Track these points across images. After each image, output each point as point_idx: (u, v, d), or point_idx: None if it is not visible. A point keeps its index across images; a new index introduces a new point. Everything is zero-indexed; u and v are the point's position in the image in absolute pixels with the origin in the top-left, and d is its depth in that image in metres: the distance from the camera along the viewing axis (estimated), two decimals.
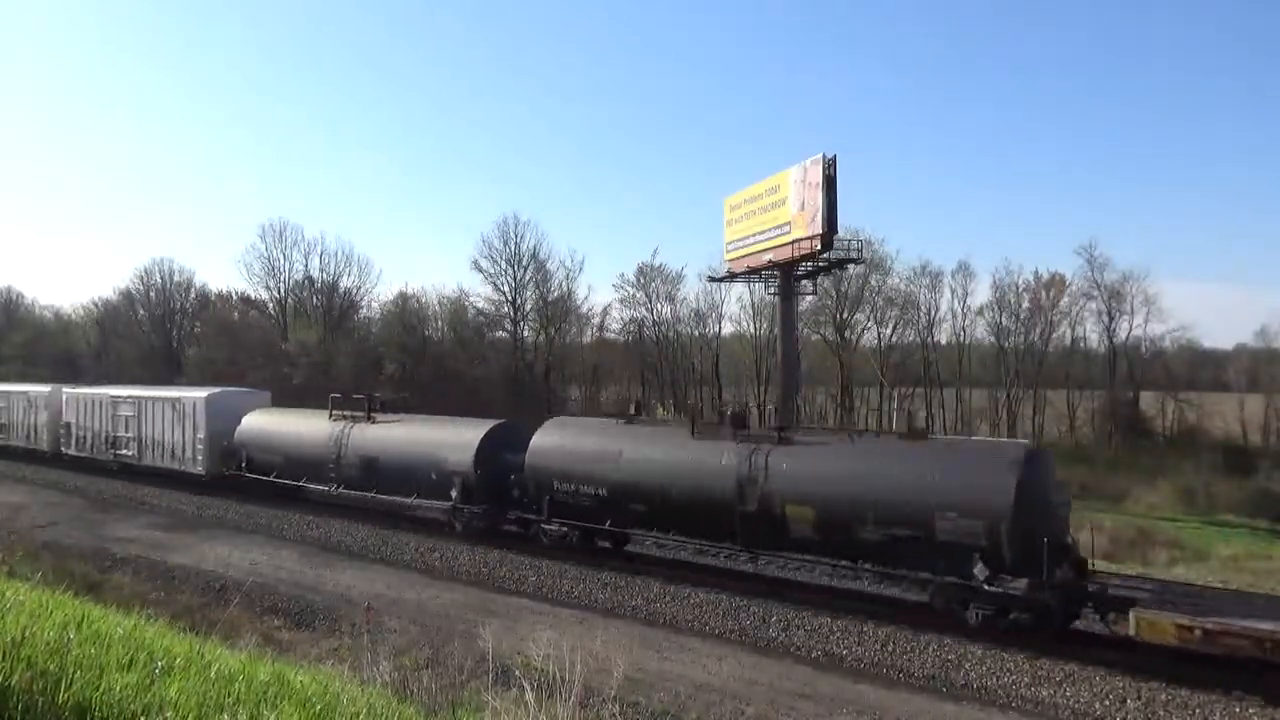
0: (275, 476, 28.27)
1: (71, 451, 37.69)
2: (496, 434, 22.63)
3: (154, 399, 33.77)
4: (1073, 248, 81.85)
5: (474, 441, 22.40)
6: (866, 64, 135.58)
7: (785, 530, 16.59)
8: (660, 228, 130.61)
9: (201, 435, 31.03)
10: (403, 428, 25.15)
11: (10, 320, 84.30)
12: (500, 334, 67.94)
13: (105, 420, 35.83)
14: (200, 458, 31.13)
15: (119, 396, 35.60)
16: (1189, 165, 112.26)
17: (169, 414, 32.46)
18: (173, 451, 32.30)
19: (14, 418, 42.25)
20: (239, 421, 30.12)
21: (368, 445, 25.15)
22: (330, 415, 27.24)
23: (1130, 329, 58.92)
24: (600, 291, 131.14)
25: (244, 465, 29.34)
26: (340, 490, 25.85)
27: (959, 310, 62.01)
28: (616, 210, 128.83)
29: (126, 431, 34.59)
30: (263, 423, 29.95)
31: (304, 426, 28.13)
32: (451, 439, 23.13)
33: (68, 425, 38.14)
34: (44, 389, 41.10)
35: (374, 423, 25.87)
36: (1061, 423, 59.45)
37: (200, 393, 32.71)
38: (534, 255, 66.17)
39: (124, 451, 34.78)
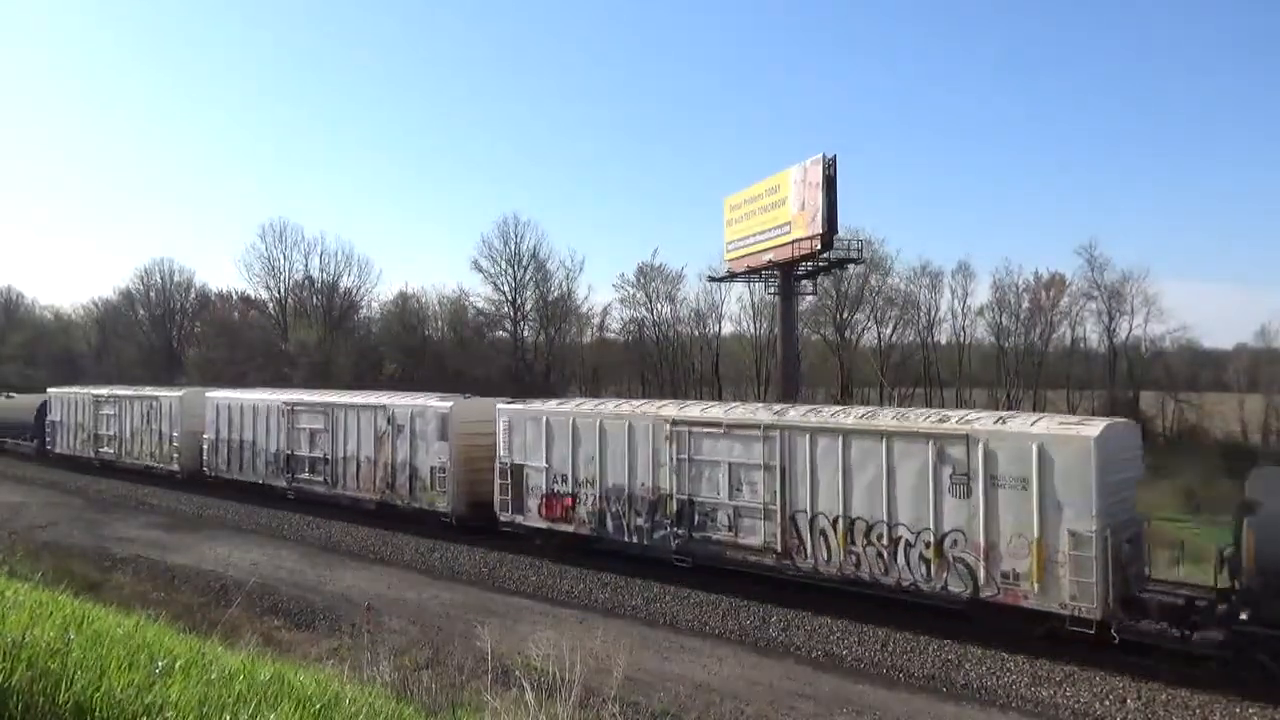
0: None
1: (529, 520, 20.73)
2: None
3: (838, 431, 16.05)
4: (1073, 248, 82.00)
5: None
6: (866, 64, 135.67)
7: None
8: (660, 228, 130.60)
9: (1095, 527, 13.18)
10: None
11: (10, 320, 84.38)
12: (500, 334, 68.15)
13: (649, 469, 18.44)
14: (1068, 573, 13.32)
15: (701, 422, 18.02)
16: (1189, 165, 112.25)
17: (915, 460, 15.06)
18: (901, 555, 15.13)
19: (344, 449, 25.76)
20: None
21: None
22: None
23: (1130, 329, 59.09)
24: (600, 291, 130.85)
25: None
26: None
27: (959, 310, 62.18)
28: (616, 210, 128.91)
29: (723, 494, 17.36)
30: None
31: None
32: None
33: (518, 473, 20.88)
34: (438, 404, 23.74)
35: None
36: None
37: (1022, 423, 14.82)
38: (534, 255, 66.48)
39: (732, 536, 17.21)
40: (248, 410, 29.57)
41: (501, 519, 21.52)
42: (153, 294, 77.94)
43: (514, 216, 67.75)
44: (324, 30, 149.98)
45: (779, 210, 42.49)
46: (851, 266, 49.63)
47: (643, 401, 22.42)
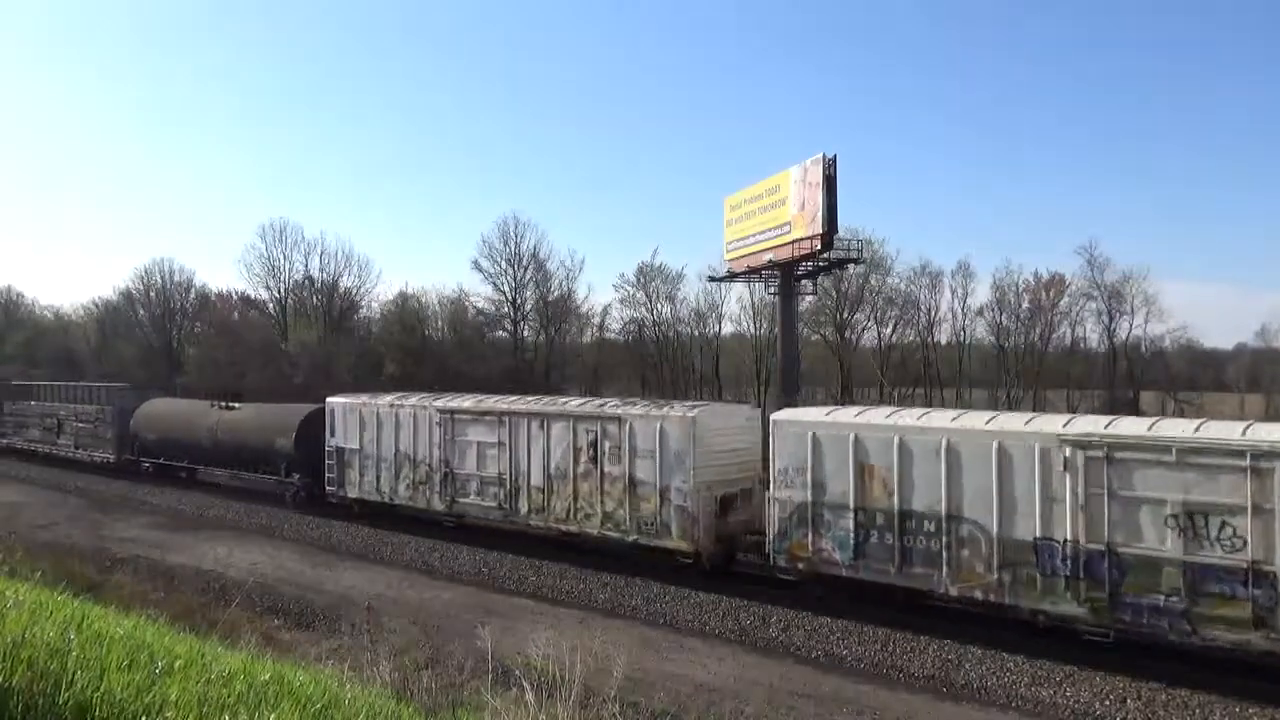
0: None
1: None
2: None
3: None
4: (1073, 248, 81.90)
5: None
6: (866, 63, 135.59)
7: None
8: (660, 228, 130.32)
9: None
10: None
11: (10, 320, 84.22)
12: (500, 334, 68.07)
13: None
14: None
15: None
16: (1189, 165, 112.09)
17: None
18: None
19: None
20: None
21: None
22: None
23: (1130, 329, 58.99)
24: (600, 291, 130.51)
25: None
26: None
27: (959, 310, 62.02)
28: (616, 210, 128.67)
29: None
30: None
31: None
32: None
33: None
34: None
35: None
36: None
37: None
38: (534, 255, 66.34)
39: None
40: (925, 448, 14.88)
41: None
42: (153, 294, 77.72)
43: (514, 216, 67.75)
44: (324, 30, 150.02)
45: (779, 210, 42.43)
46: (851, 266, 49.50)
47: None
